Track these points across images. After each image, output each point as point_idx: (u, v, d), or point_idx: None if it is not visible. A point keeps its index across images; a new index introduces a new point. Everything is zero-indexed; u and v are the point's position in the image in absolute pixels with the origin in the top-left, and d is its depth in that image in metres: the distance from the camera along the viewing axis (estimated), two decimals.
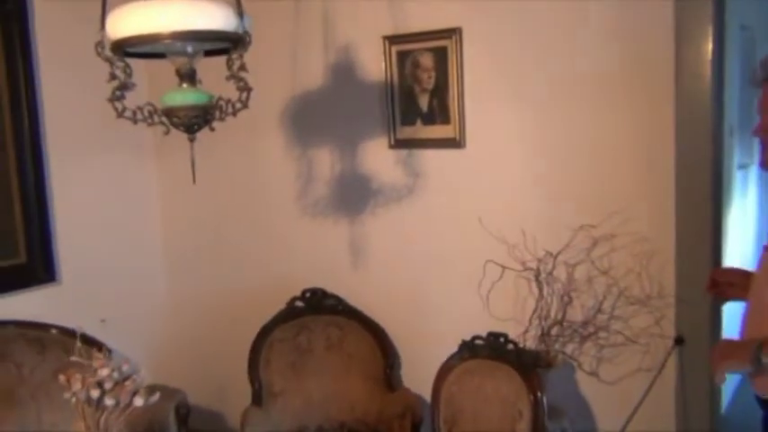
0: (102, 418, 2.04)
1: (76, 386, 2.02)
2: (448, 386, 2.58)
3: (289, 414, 3.05)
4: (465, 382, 2.55)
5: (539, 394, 2.36)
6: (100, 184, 3.48)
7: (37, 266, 3.21)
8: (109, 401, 1.99)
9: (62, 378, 2.05)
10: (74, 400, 2.03)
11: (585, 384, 2.84)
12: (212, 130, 1.85)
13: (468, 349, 2.57)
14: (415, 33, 3.03)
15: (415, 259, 3.17)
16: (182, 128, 1.74)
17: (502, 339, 2.53)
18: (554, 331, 2.72)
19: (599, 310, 2.71)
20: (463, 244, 3.00)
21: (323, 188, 3.34)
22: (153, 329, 3.72)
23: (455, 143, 3.00)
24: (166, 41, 1.64)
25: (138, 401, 2.04)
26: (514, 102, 2.86)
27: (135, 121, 1.74)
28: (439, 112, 3.03)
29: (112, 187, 3.56)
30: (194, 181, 1.82)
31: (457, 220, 3.03)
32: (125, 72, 1.72)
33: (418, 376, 3.07)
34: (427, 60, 3.03)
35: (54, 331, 2.94)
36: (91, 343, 2.44)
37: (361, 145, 3.21)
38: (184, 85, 1.77)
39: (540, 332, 2.72)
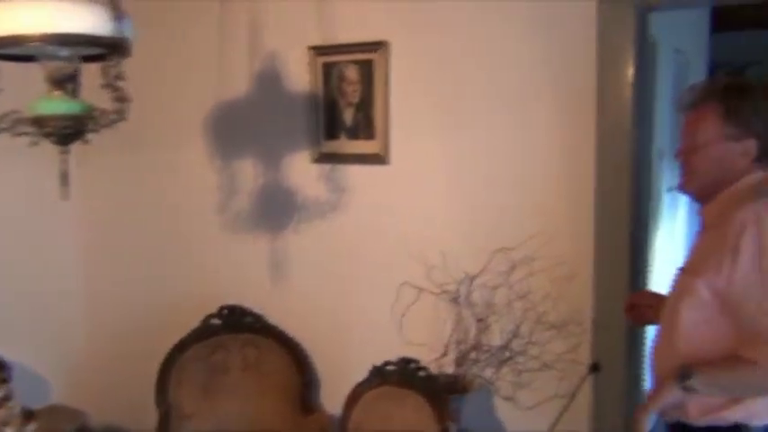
0: None
1: None
2: (357, 413, 2.47)
3: None
4: (374, 409, 2.45)
5: (448, 424, 2.26)
6: (10, 191, 3.28)
7: None
8: None
9: None
10: None
11: (503, 410, 2.77)
12: (86, 142, 1.70)
13: (379, 375, 2.47)
14: (342, 45, 2.93)
15: (336, 278, 3.06)
16: (53, 138, 1.59)
17: (413, 365, 2.42)
18: (472, 356, 2.64)
19: (516, 335, 2.64)
20: (384, 264, 2.91)
21: (244, 201, 3.21)
22: (67, 346, 3.52)
23: (379, 159, 2.91)
24: (34, 44, 1.50)
25: (9, 431, 1.88)
26: (439, 118, 2.79)
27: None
28: (363, 126, 2.94)
29: (25, 195, 3.36)
30: (67, 197, 1.68)
31: (378, 239, 2.93)
32: None
33: (337, 398, 2.94)
34: (353, 73, 2.94)
35: None
36: None
37: (285, 158, 3.10)
38: (55, 93, 1.63)
39: (456, 355, 2.63)
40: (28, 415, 2.82)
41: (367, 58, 2.90)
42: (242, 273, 3.25)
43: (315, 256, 3.10)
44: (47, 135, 1.58)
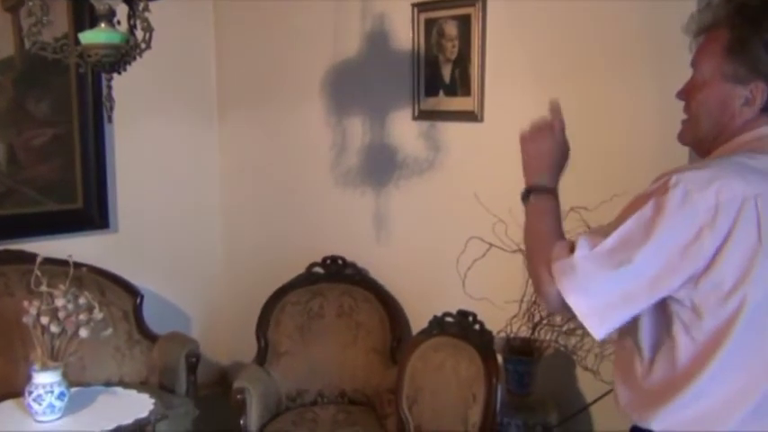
0: (54, 344, 2.11)
1: (32, 311, 2.11)
2: (413, 362, 2.42)
3: (290, 376, 3.02)
4: (429, 358, 2.38)
5: (494, 380, 2.14)
6: (163, 143, 3.65)
7: (92, 213, 3.43)
8: (54, 329, 2.06)
9: (25, 304, 2.15)
10: (30, 324, 2.13)
11: (584, 381, 2.55)
12: (120, 72, 1.84)
13: (438, 325, 2.39)
14: (442, 0, 2.86)
15: (430, 235, 3.01)
16: (95, 65, 1.75)
17: (470, 318, 2.32)
18: (551, 321, 2.46)
19: None
20: (475, 222, 2.79)
21: (353, 158, 3.27)
22: (202, 281, 3.83)
23: (474, 117, 2.80)
24: None
25: (83, 333, 2.10)
26: (534, 75, 2.61)
27: (49, 57, 1.79)
28: (460, 83, 2.85)
29: (175, 147, 3.71)
30: (110, 120, 1.83)
31: (470, 198, 2.82)
32: (42, 10, 1.77)
33: None
34: (451, 29, 2.86)
35: (84, 270, 3.09)
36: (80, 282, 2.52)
37: (389, 115, 3.11)
38: (102, 25, 1.79)
39: (535, 319, 2.47)
40: (152, 337, 3.15)
41: (465, 13, 2.80)
42: (347, 226, 3.31)
43: (412, 213, 3.08)
44: (90, 63, 1.73)
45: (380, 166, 3.16)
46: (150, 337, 3.25)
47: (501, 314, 2.46)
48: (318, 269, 3.24)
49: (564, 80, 2.50)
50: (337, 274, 3.21)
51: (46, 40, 1.82)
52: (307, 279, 3.21)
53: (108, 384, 2.89)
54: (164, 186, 3.68)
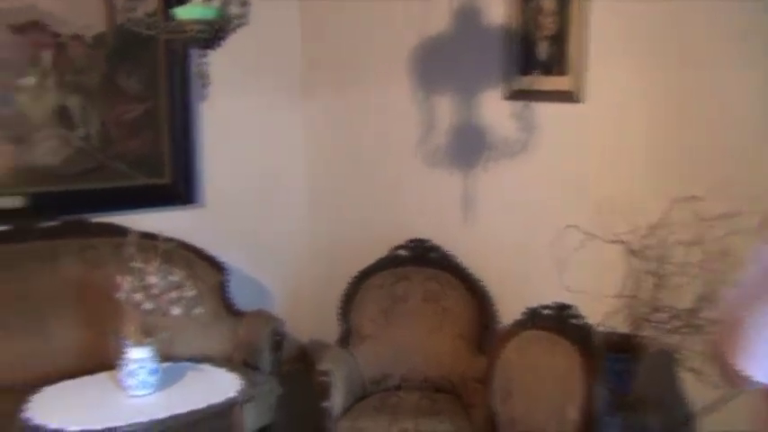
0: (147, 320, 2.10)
1: (125, 287, 2.11)
2: (506, 353, 2.31)
3: (373, 360, 2.97)
4: (523, 351, 2.27)
5: (594, 378, 2.01)
6: (248, 119, 3.62)
7: (179, 188, 3.44)
8: (147, 306, 2.05)
9: (118, 279, 2.15)
10: (123, 300, 2.12)
11: (688, 382, 2.39)
12: (214, 48, 1.78)
13: (533, 317, 2.27)
14: None
15: (520, 220, 2.88)
16: (189, 42, 1.70)
17: (568, 312, 2.19)
18: (649, 316, 2.31)
19: (709, 301, 2.24)
20: (567, 208, 2.65)
21: (441, 138, 3.16)
22: (285, 259, 3.81)
23: (571, 97, 2.64)
24: None
25: (176, 311, 2.09)
26: (643, 55, 2.43)
27: (143, 33, 1.74)
28: (557, 61, 2.69)
29: (260, 123, 3.69)
30: (205, 97, 1.78)
31: (564, 182, 2.68)
32: None
33: None
34: (550, 4, 2.70)
35: (173, 244, 3.10)
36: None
37: (478, 95, 2.98)
38: (196, 0, 1.73)
39: (633, 314, 2.32)
40: (238, 314, 3.14)
41: None
42: (432, 208, 3.22)
43: (502, 196, 2.96)
44: (184, 38, 1.67)
45: (468, 147, 3.04)
46: (235, 313, 3.25)
47: (597, 308, 2.32)
48: (403, 252, 3.16)
49: (672, 62, 2.32)
50: (422, 257, 3.12)
51: (139, 16, 1.77)
52: (391, 262, 3.14)
53: (193, 359, 2.89)
54: (249, 163, 3.66)
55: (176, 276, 2.18)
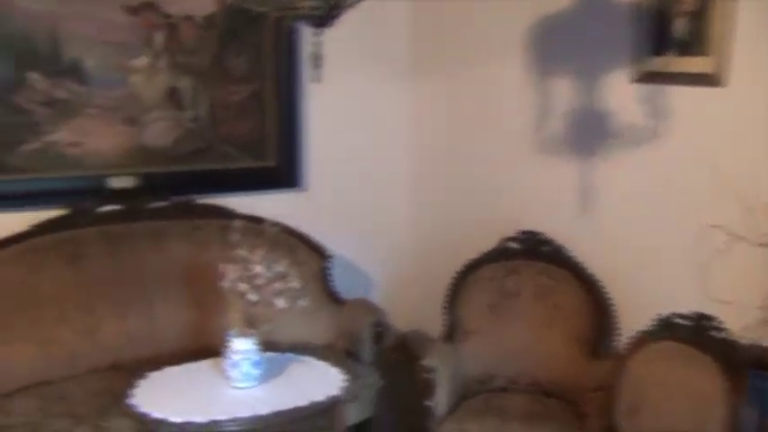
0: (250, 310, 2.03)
1: (230, 277, 2.04)
2: (636, 364, 2.09)
3: (478, 358, 2.80)
4: (655, 364, 2.04)
5: (741, 400, 1.76)
6: (354, 102, 3.52)
7: (284, 171, 3.39)
8: (252, 297, 1.98)
9: (221, 267, 2.09)
10: (227, 289, 2.06)
11: None
12: (327, 27, 1.63)
13: (667, 327, 2.03)
14: None
15: (651, 215, 2.63)
16: (305, 21, 1.56)
17: (709, 323, 1.93)
18: None
19: None
20: (702, 203, 2.38)
21: (557, 123, 2.93)
22: (388, 245, 3.70)
23: (712, 80, 2.35)
24: None
25: (281, 303, 2.00)
26: None
27: (254, 10, 1.62)
28: (696, 40, 2.39)
29: (365, 105, 3.57)
30: (319, 79, 1.65)
31: (699, 175, 2.41)
32: None
33: None
34: None
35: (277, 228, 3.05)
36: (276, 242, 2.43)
37: (601, 77, 2.73)
38: None
39: None
40: (339, 301, 3.05)
41: None
42: (545, 198, 3.00)
43: (626, 188, 2.70)
44: (301, 17, 1.54)
45: (588, 134, 2.79)
46: (337, 300, 3.17)
47: (741, 320, 2.05)
48: (513, 244, 2.96)
49: None
50: (534, 250, 2.92)
51: None
52: (501, 254, 2.95)
53: (295, 345, 2.82)
54: (353, 146, 3.56)
55: (281, 267, 2.09)
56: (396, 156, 3.67)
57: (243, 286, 2.04)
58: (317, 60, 1.66)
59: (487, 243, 3.00)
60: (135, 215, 3.04)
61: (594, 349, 2.70)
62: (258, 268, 2.05)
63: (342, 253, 3.47)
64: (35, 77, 2.86)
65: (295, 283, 2.09)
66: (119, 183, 3.06)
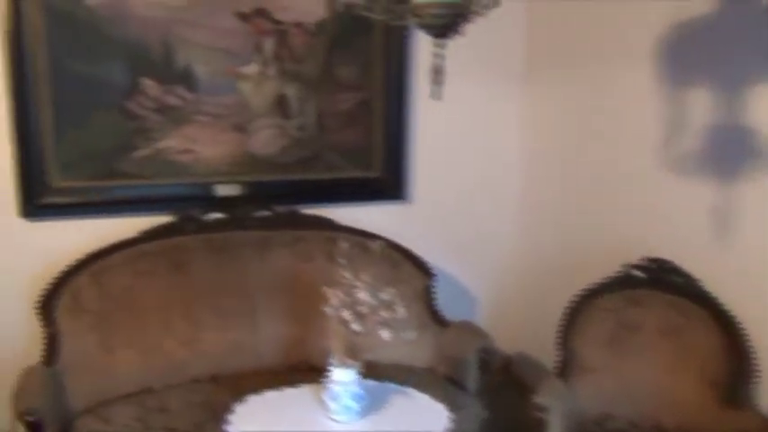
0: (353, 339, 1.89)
1: (333, 302, 1.90)
2: None
3: (595, 396, 2.55)
4: None
5: None
6: (461, 111, 3.31)
7: (389, 182, 3.25)
8: (355, 327, 1.83)
9: (325, 290, 1.95)
10: (330, 315, 1.92)
11: None
12: (460, 35, 1.44)
13: None
14: None
15: None
16: (429, 30, 1.38)
17: None
18: None
19: None
20: None
21: (692, 139, 2.62)
22: (494, 264, 3.49)
23: None
24: None
25: (385, 335, 1.84)
26: None
27: (373, 18, 1.45)
28: None
29: (474, 115, 3.37)
30: (437, 97, 1.47)
31: None
32: None
33: None
34: None
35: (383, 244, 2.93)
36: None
37: (746, 88, 2.40)
38: None
39: None
40: (443, 323, 2.87)
41: None
42: (675, 222, 2.69)
43: None
44: (423, 26, 1.36)
45: (729, 152, 2.49)
46: (440, 321, 2.98)
47: None
48: (637, 272, 2.67)
49: None
50: (661, 280, 2.63)
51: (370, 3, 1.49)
52: (623, 282, 2.68)
53: (395, 368, 2.67)
54: (460, 159, 3.37)
55: (387, 294, 1.92)
56: (505, 169, 3.45)
57: (346, 314, 1.89)
58: (438, 75, 1.48)
59: (605, 268, 2.73)
60: (239, 224, 2.99)
61: (730, 397, 2.39)
62: (363, 294, 1.89)
63: (445, 268, 3.29)
64: (148, 84, 2.85)
65: (400, 312, 1.91)
66: (225, 190, 3.02)
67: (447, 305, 3.08)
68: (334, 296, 1.93)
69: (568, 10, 3.08)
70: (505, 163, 3.44)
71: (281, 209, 3.04)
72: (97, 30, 2.74)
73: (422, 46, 3.01)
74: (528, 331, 3.30)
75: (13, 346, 2.71)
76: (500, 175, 3.44)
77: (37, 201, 2.77)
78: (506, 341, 3.27)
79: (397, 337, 1.89)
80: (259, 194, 3.05)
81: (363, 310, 1.89)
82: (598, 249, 2.94)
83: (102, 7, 2.73)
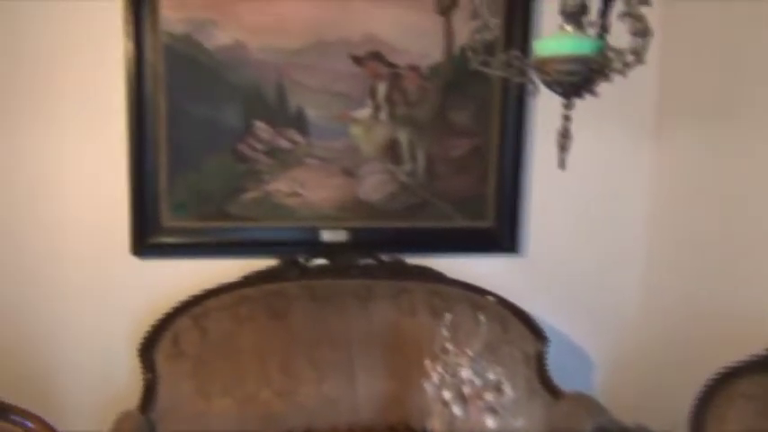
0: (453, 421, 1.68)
1: (434, 378, 1.71)
2: None
3: None
4: None
5: None
6: (583, 162, 3.04)
7: (502, 233, 3.04)
8: (456, 411, 1.62)
9: (427, 364, 1.77)
10: (430, 392, 1.73)
11: None
12: (594, 95, 1.23)
13: None
14: None
15: None
16: (556, 88, 1.18)
17: None
18: None
19: None
20: None
21: None
22: (618, 332, 3.17)
23: None
24: None
25: (490, 423, 1.62)
26: None
27: (494, 74, 1.26)
28: None
29: (598, 166, 3.09)
30: (563, 166, 1.26)
31: None
32: (488, 10, 1.24)
33: None
34: None
35: (491, 298, 2.74)
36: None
37: None
38: (567, 28, 1.19)
39: None
40: (555, 392, 2.60)
41: None
42: None
43: None
44: (548, 83, 1.16)
45: None
46: (552, 390, 2.71)
47: None
48: None
49: None
50: None
51: (488, 57, 1.31)
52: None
53: None
54: (580, 212, 3.11)
55: (494, 374, 1.71)
56: (628, 226, 3.14)
57: (447, 394, 1.69)
58: (565, 140, 1.27)
59: (748, 344, 2.35)
60: (342, 272, 2.88)
61: None
62: (466, 372, 1.69)
63: (558, 327, 3.02)
64: (261, 126, 2.81)
65: (509, 394, 1.69)
66: (331, 236, 2.91)
67: (559, 366, 2.81)
68: (434, 371, 1.74)
69: (710, 51, 2.76)
70: (630, 219, 3.13)
71: (385, 257, 2.90)
72: (215, 73, 2.74)
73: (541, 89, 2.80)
74: (648, 399, 2.96)
75: (116, 385, 2.71)
76: (623, 231, 3.14)
77: (149, 240, 2.78)
78: (623, 406, 2.94)
79: (503, 425, 1.67)
80: (364, 241, 2.92)
81: (466, 390, 1.68)
82: (735, 322, 2.58)
83: (222, 51, 2.73)
